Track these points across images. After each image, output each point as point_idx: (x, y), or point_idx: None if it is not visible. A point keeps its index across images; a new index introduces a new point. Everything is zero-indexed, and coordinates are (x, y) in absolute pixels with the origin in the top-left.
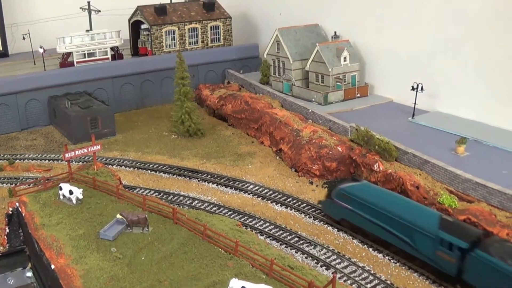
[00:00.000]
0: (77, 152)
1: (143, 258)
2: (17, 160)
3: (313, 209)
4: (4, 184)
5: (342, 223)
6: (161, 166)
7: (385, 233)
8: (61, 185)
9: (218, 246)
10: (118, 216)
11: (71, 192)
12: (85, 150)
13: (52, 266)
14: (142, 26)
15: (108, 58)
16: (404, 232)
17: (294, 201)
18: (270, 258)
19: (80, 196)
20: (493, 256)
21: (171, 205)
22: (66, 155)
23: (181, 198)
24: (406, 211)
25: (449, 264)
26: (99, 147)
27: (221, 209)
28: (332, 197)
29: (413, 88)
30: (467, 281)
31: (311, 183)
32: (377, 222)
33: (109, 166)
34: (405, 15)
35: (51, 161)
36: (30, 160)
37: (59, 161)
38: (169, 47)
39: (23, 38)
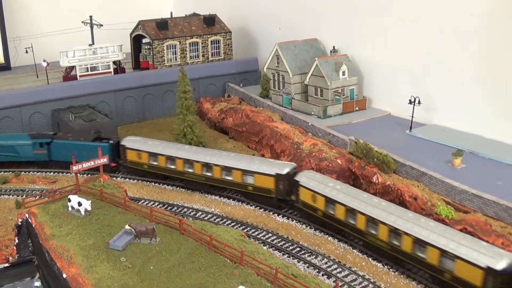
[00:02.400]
0: (84, 165)
1: (152, 267)
2: (23, 172)
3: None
4: (11, 196)
5: None
6: (164, 178)
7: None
8: (70, 197)
9: (224, 256)
10: (127, 227)
11: (79, 204)
12: (92, 163)
13: (64, 275)
14: (144, 40)
15: (110, 72)
16: (13, 151)
17: (295, 212)
18: (275, 267)
19: (89, 208)
20: (62, 139)
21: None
22: (74, 167)
23: (185, 209)
24: (11, 140)
25: (43, 155)
26: (105, 159)
27: (225, 220)
28: None
29: (410, 102)
30: (54, 159)
31: None
32: None
33: (114, 178)
34: (403, 29)
35: (56, 173)
36: (36, 172)
37: (64, 173)
38: (171, 61)
39: (26, 52)
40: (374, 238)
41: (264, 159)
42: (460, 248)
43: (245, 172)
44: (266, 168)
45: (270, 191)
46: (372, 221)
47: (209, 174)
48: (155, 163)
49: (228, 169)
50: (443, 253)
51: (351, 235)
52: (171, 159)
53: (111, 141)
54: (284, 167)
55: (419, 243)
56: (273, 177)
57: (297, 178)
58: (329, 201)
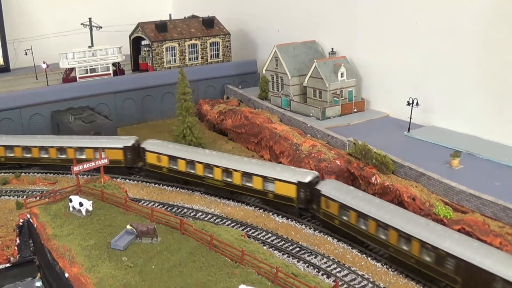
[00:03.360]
0: (85, 166)
1: (153, 266)
2: (23, 174)
3: (313, 221)
4: (11, 197)
5: None
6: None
7: None
8: (71, 197)
9: (224, 255)
10: (128, 227)
11: (81, 204)
12: (93, 164)
13: (66, 275)
14: (143, 42)
15: (110, 74)
16: None
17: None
18: (275, 266)
19: (90, 208)
20: None
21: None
22: (75, 168)
23: (185, 210)
24: None
25: None
26: (106, 160)
27: (224, 220)
28: None
29: (408, 103)
30: None
31: None
32: None
33: (114, 179)
34: (401, 31)
35: (56, 174)
36: (36, 173)
37: (64, 174)
38: (170, 63)
39: (26, 54)
40: (212, 180)
41: (113, 136)
42: (277, 173)
43: (95, 149)
44: (114, 143)
45: (120, 162)
46: (208, 167)
47: (63, 156)
48: (29, 155)
49: (81, 149)
50: (265, 179)
51: (193, 182)
52: (26, 148)
53: None
54: (129, 140)
55: (246, 176)
56: (121, 149)
57: (143, 145)
58: (172, 158)
